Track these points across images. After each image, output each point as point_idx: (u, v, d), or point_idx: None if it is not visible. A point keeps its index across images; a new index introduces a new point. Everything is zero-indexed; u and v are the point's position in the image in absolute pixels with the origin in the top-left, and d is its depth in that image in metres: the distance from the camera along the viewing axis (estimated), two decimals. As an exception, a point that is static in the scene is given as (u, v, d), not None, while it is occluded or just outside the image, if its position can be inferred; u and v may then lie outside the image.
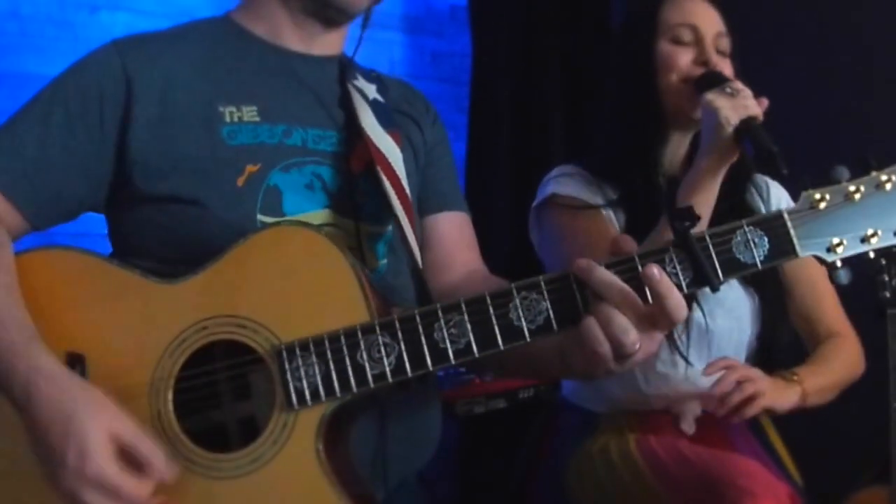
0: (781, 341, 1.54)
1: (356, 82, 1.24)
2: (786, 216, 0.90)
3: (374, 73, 1.31)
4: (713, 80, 1.36)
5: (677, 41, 1.49)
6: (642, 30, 1.53)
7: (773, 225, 0.90)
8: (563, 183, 1.55)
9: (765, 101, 1.29)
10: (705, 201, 1.28)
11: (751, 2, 2.17)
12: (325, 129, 1.17)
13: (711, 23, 1.49)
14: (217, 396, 0.99)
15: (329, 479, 0.92)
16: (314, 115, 1.17)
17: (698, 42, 1.48)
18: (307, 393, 0.93)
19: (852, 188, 0.90)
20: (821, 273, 1.52)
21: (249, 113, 1.12)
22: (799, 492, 1.32)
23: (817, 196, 0.90)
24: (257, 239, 0.99)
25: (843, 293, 1.57)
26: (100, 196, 1.13)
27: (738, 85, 1.29)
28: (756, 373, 1.39)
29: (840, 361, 1.53)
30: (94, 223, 1.21)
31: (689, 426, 1.47)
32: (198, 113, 1.11)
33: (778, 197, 1.61)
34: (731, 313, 1.49)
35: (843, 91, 2.44)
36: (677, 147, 1.55)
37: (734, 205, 1.49)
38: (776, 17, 2.54)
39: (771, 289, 1.53)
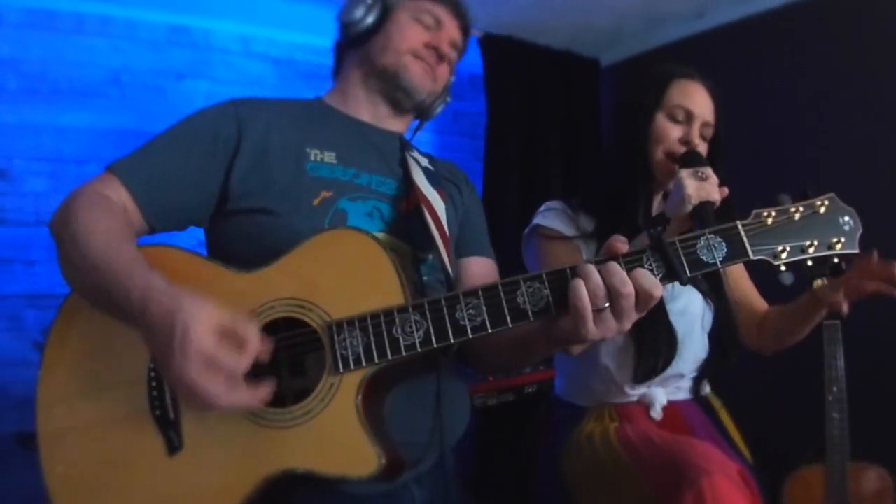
0: (730, 339, 1.58)
1: (412, 153, 1.33)
2: (739, 226, 0.92)
3: (428, 153, 1.41)
4: (693, 160, 1.38)
5: (672, 118, 1.50)
6: (649, 101, 1.53)
7: (730, 233, 0.92)
8: (546, 216, 1.58)
9: (725, 190, 1.29)
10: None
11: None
12: (385, 176, 1.25)
13: (703, 111, 1.50)
14: (279, 361, 1.02)
15: (364, 427, 0.94)
16: (378, 165, 1.26)
17: (688, 123, 1.49)
18: (351, 359, 0.96)
19: (793, 209, 0.93)
20: (748, 284, 1.68)
21: (329, 156, 1.21)
22: (750, 469, 1.32)
23: (765, 213, 0.93)
24: (319, 239, 1.02)
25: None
26: (207, 209, 1.18)
27: (709, 171, 1.30)
28: None
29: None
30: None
31: (656, 413, 1.50)
32: (290, 151, 1.20)
33: None
34: (684, 317, 1.52)
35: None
36: (653, 198, 1.57)
37: None
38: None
39: (722, 301, 1.58)
